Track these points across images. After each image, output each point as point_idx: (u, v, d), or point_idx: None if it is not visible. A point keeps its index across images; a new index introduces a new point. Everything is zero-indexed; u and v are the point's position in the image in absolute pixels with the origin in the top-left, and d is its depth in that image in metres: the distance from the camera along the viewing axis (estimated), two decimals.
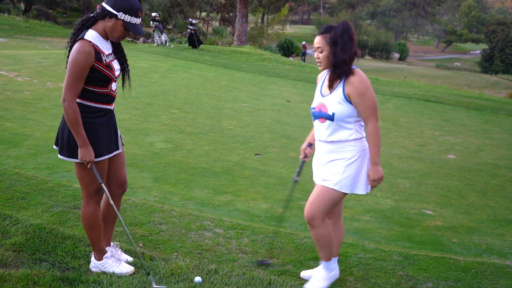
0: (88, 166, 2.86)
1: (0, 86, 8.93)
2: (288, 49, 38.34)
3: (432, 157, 7.22)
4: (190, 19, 19.48)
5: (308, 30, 62.09)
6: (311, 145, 3.21)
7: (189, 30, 18.81)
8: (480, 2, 73.18)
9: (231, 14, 44.08)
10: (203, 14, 52.58)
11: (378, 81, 15.97)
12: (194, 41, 18.47)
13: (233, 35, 26.15)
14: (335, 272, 3.22)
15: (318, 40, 2.88)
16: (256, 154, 6.55)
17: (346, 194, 2.95)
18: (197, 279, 3.04)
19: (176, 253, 3.44)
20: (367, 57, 53.27)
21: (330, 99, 2.88)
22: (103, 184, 2.97)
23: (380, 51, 52.28)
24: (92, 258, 3.12)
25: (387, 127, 9.03)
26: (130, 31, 2.84)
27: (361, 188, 2.94)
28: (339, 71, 2.81)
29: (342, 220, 3.29)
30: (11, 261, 3.08)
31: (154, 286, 2.92)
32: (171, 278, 3.04)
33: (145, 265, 3.08)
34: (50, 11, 39.82)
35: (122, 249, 3.38)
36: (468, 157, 7.38)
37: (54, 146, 3.02)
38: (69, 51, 2.83)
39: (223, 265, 3.33)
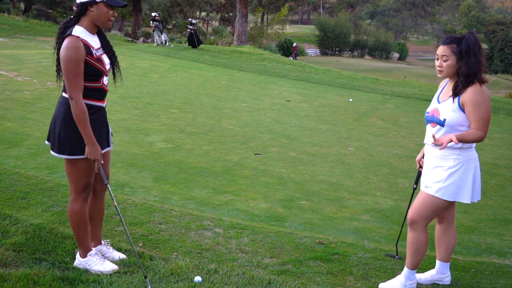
0: (96, 167, 2.89)
1: (0, 86, 8.93)
2: (288, 49, 38.32)
3: None
4: (190, 19, 19.47)
5: (307, 30, 62.02)
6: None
7: (189, 30, 18.81)
8: (480, 2, 73.08)
9: (231, 14, 44.08)
10: (203, 14, 52.59)
11: (377, 81, 15.97)
12: (194, 41, 18.47)
13: (233, 35, 26.14)
14: (414, 284, 3.18)
15: (443, 49, 2.94)
16: (256, 154, 6.55)
17: (449, 201, 3.00)
18: (197, 278, 3.05)
19: (176, 253, 3.45)
20: (366, 57, 53.25)
21: (445, 105, 2.98)
22: (108, 186, 3.00)
23: (380, 51, 52.29)
24: (77, 255, 3.14)
25: (387, 127, 9.04)
26: (114, 5, 2.87)
27: (466, 197, 2.99)
28: (470, 80, 2.87)
29: (455, 226, 3.31)
30: (11, 261, 3.09)
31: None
32: (171, 278, 3.05)
33: (143, 267, 3.07)
34: (50, 11, 39.82)
35: (122, 249, 3.39)
36: None
37: (46, 142, 3.04)
38: (57, 54, 2.87)
39: (223, 264, 3.33)
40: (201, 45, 19.02)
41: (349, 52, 52.91)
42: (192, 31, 18.48)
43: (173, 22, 42.73)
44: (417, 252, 3.10)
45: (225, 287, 3.01)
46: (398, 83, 16.46)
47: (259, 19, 41.54)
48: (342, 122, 9.18)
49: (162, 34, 19.10)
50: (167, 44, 19.20)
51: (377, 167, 6.44)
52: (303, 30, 65.29)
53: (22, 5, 39.11)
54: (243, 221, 4.21)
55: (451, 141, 2.79)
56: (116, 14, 3.01)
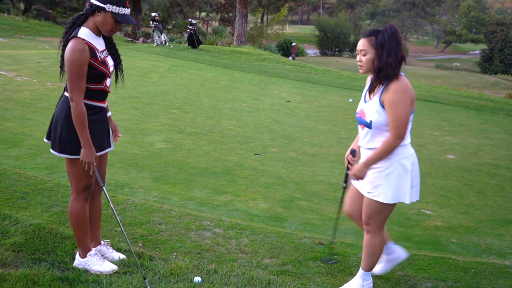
0: (91, 170, 2.90)
1: (0, 86, 8.93)
2: (287, 49, 38.31)
3: (432, 157, 7.23)
4: (190, 19, 19.48)
5: (307, 30, 62.03)
6: (354, 152, 3.16)
7: (189, 30, 18.82)
8: (480, 2, 73.15)
9: (230, 14, 44.09)
10: (203, 14, 52.61)
11: None
12: (194, 41, 18.48)
13: (233, 35, 26.14)
14: (371, 283, 3.15)
15: (362, 43, 2.81)
16: (255, 154, 6.55)
17: (394, 203, 2.94)
18: (197, 279, 3.04)
19: (175, 253, 3.45)
20: None
21: (369, 106, 2.85)
22: (104, 188, 3.00)
23: None
24: (77, 256, 3.14)
25: None
26: (120, 21, 2.85)
27: (406, 196, 2.92)
28: (383, 75, 2.73)
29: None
30: (10, 261, 3.08)
31: None
32: (170, 278, 3.05)
33: (142, 268, 3.07)
34: (49, 11, 39.83)
35: (122, 250, 3.39)
36: (467, 157, 7.39)
37: (45, 140, 3.03)
38: (62, 50, 2.86)
39: (223, 265, 3.33)
40: (200, 45, 19.02)
41: (349, 53, 52.91)
42: (192, 32, 18.50)
43: (173, 22, 42.75)
44: (372, 255, 3.06)
45: None
46: None
47: (259, 20, 41.52)
48: (342, 122, 9.18)
49: (162, 34, 19.11)
50: (167, 44, 19.21)
51: None
52: (303, 31, 65.29)
53: (22, 5, 39.11)
54: (243, 222, 4.21)
55: (362, 175, 2.78)
56: (120, 27, 3.00)
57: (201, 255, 3.48)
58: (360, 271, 3.14)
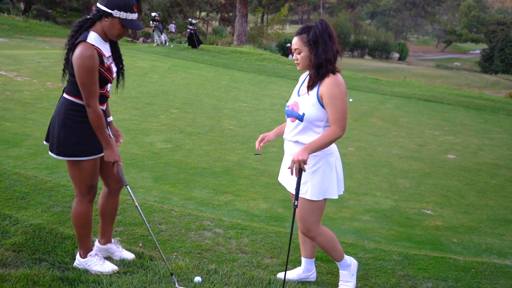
0: (115, 169, 2.93)
1: (0, 86, 8.93)
2: (287, 49, 38.32)
3: (432, 157, 7.22)
4: (190, 19, 19.48)
5: None
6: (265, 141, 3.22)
7: (189, 30, 18.82)
8: (480, 2, 73.17)
9: (231, 14, 44.09)
10: (203, 14, 52.62)
11: (377, 81, 15.96)
12: (194, 41, 18.48)
13: (233, 35, 26.14)
14: (353, 266, 3.16)
15: (295, 41, 2.84)
16: (256, 154, 6.55)
17: (324, 199, 2.91)
18: (197, 279, 3.04)
19: (175, 253, 3.45)
20: (366, 57, 53.31)
21: (304, 99, 2.85)
22: (127, 187, 3.02)
23: (380, 51, 52.38)
24: (77, 256, 3.14)
25: (387, 127, 9.03)
26: (128, 27, 2.83)
27: (333, 193, 2.91)
28: (323, 71, 2.76)
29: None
30: (10, 261, 3.08)
31: (177, 286, 2.94)
32: (171, 278, 3.05)
33: (168, 262, 3.12)
34: (49, 11, 39.83)
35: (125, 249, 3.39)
36: (467, 157, 7.38)
37: (45, 142, 3.03)
38: (67, 53, 2.84)
39: (223, 265, 3.33)
40: (201, 45, 19.02)
41: (349, 52, 53.00)
42: (192, 31, 18.49)
43: (173, 22, 42.76)
44: (331, 248, 3.05)
45: None
46: (398, 83, 16.46)
47: (259, 19, 41.48)
48: None
49: (162, 34, 19.11)
50: (167, 44, 19.20)
51: (377, 167, 6.44)
52: None
53: (22, 5, 39.11)
54: (243, 222, 4.21)
55: (304, 161, 2.67)
56: (128, 32, 2.98)
57: (201, 255, 3.48)
58: (338, 264, 3.14)
